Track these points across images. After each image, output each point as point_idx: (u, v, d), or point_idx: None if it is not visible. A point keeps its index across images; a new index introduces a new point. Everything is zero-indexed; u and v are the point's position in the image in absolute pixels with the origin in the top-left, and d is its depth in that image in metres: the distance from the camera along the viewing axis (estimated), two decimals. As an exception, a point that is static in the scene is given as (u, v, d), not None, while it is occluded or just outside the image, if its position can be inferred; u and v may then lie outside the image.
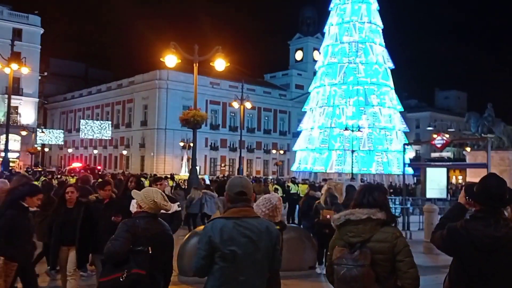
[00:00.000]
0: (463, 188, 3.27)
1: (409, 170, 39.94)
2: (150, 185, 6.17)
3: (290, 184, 14.85)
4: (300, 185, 14.72)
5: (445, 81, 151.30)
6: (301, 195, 13.96)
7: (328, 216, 7.67)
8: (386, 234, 2.83)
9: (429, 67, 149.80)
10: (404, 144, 22.09)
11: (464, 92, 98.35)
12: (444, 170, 17.40)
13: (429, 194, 16.48)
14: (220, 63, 12.97)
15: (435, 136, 18.08)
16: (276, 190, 14.20)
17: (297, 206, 13.66)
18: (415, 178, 40.19)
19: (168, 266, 3.56)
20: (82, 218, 5.60)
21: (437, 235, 2.95)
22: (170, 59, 12.51)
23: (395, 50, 45.16)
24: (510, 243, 2.62)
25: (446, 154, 25.57)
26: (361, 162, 36.50)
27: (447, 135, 16.32)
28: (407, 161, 40.25)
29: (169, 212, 4.27)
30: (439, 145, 15.37)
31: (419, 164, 20.24)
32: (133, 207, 3.91)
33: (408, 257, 2.82)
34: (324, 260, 7.87)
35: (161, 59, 12.56)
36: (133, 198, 3.52)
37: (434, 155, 22.96)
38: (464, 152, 32.36)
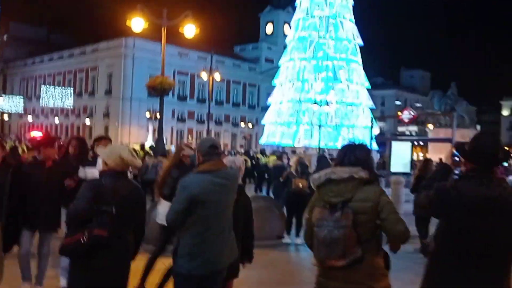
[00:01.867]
0: (453, 147, 3.15)
1: (374, 146, 40.82)
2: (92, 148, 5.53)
3: (259, 155, 14.74)
4: (270, 156, 14.62)
5: (410, 60, 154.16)
6: (269, 165, 13.94)
7: (300, 185, 7.66)
8: (368, 193, 2.68)
9: (395, 46, 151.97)
10: (373, 118, 22.32)
11: (428, 72, 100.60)
12: (409, 144, 17.82)
13: (394, 168, 16.88)
14: (189, 29, 12.53)
15: (400, 113, 18.40)
16: (244, 161, 14.01)
17: (266, 177, 13.68)
18: (379, 153, 41.12)
19: (139, 228, 3.36)
20: (11, 184, 4.48)
21: (423, 196, 2.81)
22: (137, 23, 11.97)
23: (364, 27, 45.50)
24: (504, 203, 2.45)
25: (412, 128, 26.15)
26: (328, 136, 36.84)
27: (414, 110, 16.55)
28: (372, 138, 41.13)
29: None
30: (406, 120, 15.63)
31: (386, 138, 20.57)
32: (99, 166, 3.73)
33: (392, 214, 2.67)
34: (292, 230, 7.85)
35: (127, 23, 11.97)
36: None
37: (401, 129, 23.49)
38: (426, 129, 33.32)
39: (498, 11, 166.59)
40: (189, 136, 56.87)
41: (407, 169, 17.32)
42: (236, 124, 62.72)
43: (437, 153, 27.97)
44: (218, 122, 60.50)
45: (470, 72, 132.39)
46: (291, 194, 7.68)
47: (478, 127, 33.26)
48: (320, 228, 2.63)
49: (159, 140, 13.36)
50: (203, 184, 3.12)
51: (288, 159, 9.44)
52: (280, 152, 11.01)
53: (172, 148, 22.81)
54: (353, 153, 2.81)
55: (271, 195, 13.66)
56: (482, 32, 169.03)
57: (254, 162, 14.87)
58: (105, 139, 5.53)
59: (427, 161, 9.32)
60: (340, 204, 2.64)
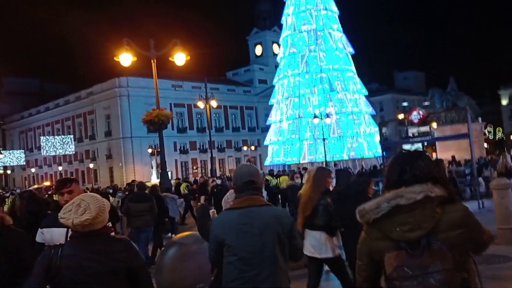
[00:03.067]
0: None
1: (380, 152, 40.34)
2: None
3: (268, 177, 14.16)
4: (280, 177, 14.04)
5: (402, 63, 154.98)
6: (281, 187, 13.40)
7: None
8: (455, 216, 1.93)
9: (385, 51, 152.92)
10: (379, 124, 21.88)
11: (421, 72, 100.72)
12: (419, 147, 17.36)
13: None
14: (179, 57, 12.24)
15: (400, 116, 18.03)
16: None
17: (280, 199, 13.11)
18: (385, 159, 40.53)
19: None
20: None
21: None
22: (125, 58, 11.70)
23: (351, 35, 45.59)
24: None
25: (412, 130, 25.54)
26: (332, 149, 36.41)
27: (423, 110, 16.14)
28: (378, 145, 40.62)
29: None
30: (416, 120, 15.14)
31: (396, 142, 20.13)
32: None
33: (483, 233, 2.01)
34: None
35: (115, 58, 11.71)
36: None
37: (412, 130, 22.78)
38: (431, 129, 32.78)
39: (485, 3, 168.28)
40: (194, 167, 56.47)
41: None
42: (238, 149, 62.39)
43: (446, 152, 27.38)
44: (221, 149, 60.18)
45: (463, 66, 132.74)
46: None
47: (480, 119, 32.65)
48: (405, 281, 1.84)
49: (163, 175, 12.92)
50: (226, 224, 2.75)
51: (301, 177, 8.89)
52: (291, 171, 10.50)
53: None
54: (414, 164, 2.05)
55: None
56: (470, 24, 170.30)
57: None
58: (71, 182, 3.60)
59: (438, 161, 8.85)
60: (425, 240, 1.88)
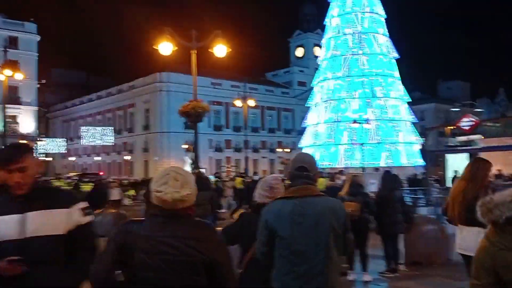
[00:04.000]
0: None
1: (419, 162, 38.86)
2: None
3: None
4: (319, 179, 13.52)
5: (446, 71, 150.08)
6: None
7: (349, 210, 6.64)
8: None
9: (430, 59, 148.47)
10: (426, 129, 20.92)
11: (467, 82, 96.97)
12: (465, 156, 16.38)
13: (450, 183, 15.48)
14: (220, 49, 11.98)
15: (443, 123, 17.07)
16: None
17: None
18: (425, 169, 39.02)
19: None
20: None
21: None
22: (165, 47, 11.53)
23: (397, 40, 44.30)
24: None
25: (474, 137, 24.33)
26: (369, 155, 35.35)
27: (475, 116, 15.20)
28: (417, 153, 39.20)
29: None
30: (467, 128, 14.25)
31: (438, 151, 19.09)
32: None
33: None
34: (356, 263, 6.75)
35: (155, 47, 11.56)
36: None
37: (461, 138, 21.73)
38: (476, 140, 31.28)
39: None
40: (228, 165, 56.50)
41: (464, 183, 15.90)
42: (273, 150, 61.99)
43: (495, 164, 26.03)
44: (255, 149, 59.95)
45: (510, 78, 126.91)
46: None
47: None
48: None
49: (195, 169, 12.68)
50: (279, 213, 2.59)
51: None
52: (332, 173, 9.96)
53: (211, 178, 22.12)
54: None
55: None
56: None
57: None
58: (22, 154, 2.39)
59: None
60: None
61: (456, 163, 16.03)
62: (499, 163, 24.73)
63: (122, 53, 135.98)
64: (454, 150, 16.65)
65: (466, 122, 14.15)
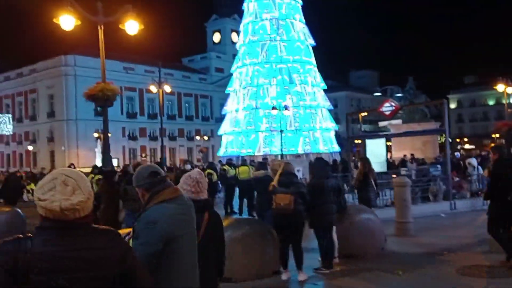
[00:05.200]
0: None
1: (336, 147, 40.04)
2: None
3: (226, 167, 12.82)
4: (240, 167, 12.69)
5: (357, 61, 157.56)
6: (240, 178, 12.17)
7: (281, 204, 5.93)
8: None
9: (341, 48, 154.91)
10: (347, 114, 21.12)
11: (376, 71, 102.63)
12: (383, 141, 16.66)
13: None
14: (132, 26, 10.65)
15: (354, 112, 17.34)
16: (209, 175, 12.16)
17: (237, 192, 11.94)
18: (340, 154, 40.35)
19: None
20: None
21: None
22: (67, 20, 9.96)
23: (312, 28, 44.72)
24: None
25: (395, 122, 25.10)
26: (288, 142, 35.57)
27: (395, 101, 15.37)
28: (333, 140, 40.30)
29: None
30: (387, 112, 14.33)
31: (359, 136, 19.32)
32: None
33: None
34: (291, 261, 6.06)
35: (55, 20, 9.94)
36: None
37: (382, 123, 22.55)
38: (387, 126, 32.74)
39: (442, 7, 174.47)
40: (143, 155, 54.04)
41: (384, 168, 16.12)
42: (191, 138, 60.56)
43: (400, 150, 27.25)
44: (172, 138, 58.08)
45: (417, 68, 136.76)
46: (275, 215, 5.99)
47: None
48: None
49: (106, 160, 11.29)
50: (173, 216, 2.58)
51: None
52: (262, 161, 9.15)
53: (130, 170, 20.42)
54: None
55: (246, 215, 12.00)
56: (424, 27, 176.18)
57: (220, 175, 13.00)
58: None
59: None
60: None
61: (375, 148, 16.22)
62: (407, 148, 26.07)
63: (21, 33, 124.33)
64: (374, 135, 16.84)
65: (387, 107, 14.25)
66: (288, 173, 6.05)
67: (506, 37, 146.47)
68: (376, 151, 16.42)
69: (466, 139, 78.59)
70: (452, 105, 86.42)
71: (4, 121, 48.99)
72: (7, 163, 55.75)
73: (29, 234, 1.76)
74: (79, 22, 10.24)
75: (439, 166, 15.56)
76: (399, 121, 23.33)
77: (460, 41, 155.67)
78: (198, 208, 2.93)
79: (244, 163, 13.00)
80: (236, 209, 12.07)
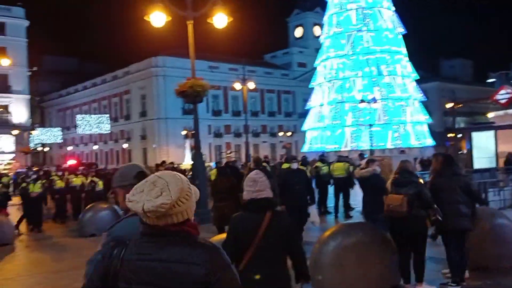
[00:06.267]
0: None
1: (429, 142, 37.42)
2: None
3: (319, 164, 12.11)
4: (334, 164, 11.92)
5: (448, 50, 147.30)
6: (334, 175, 11.43)
7: (392, 205, 5.15)
8: None
9: (431, 36, 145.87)
10: (454, 103, 19.38)
11: (469, 60, 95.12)
12: (492, 133, 14.94)
13: (478, 164, 14.05)
14: (220, 18, 10.40)
15: (447, 104, 15.52)
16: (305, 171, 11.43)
17: (336, 189, 11.21)
18: (436, 149, 37.57)
19: None
20: None
21: None
22: (158, 17, 9.95)
23: (402, 15, 41.90)
24: None
25: (505, 112, 22.71)
26: (377, 137, 33.86)
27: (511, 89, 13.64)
28: (426, 133, 37.65)
29: None
30: (503, 101, 12.73)
31: (463, 129, 17.48)
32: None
33: None
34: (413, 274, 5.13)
35: (146, 18, 9.98)
36: None
37: (496, 114, 20.17)
38: (489, 118, 29.81)
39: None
40: (228, 151, 55.05)
41: (493, 163, 14.45)
42: (274, 134, 60.50)
43: (506, 144, 24.53)
44: (255, 134, 58.44)
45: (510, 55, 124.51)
46: (388, 218, 5.20)
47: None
48: None
49: (196, 156, 11.19)
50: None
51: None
52: (369, 157, 8.44)
53: (213, 165, 20.53)
54: None
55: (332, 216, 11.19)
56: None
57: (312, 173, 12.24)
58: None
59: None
60: None
61: (483, 142, 14.58)
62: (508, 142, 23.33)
63: (115, 38, 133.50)
64: (482, 127, 15.14)
65: (503, 95, 12.60)
66: (405, 171, 5.25)
67: None
68: (483, 145, 14.79)
69: None
70: None
71: (102, 121, 52.67)
72: (105, 160, 59.84)
73: (133, 239, 1.72)
74: (169, 18, 10.18)
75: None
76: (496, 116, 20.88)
77: None
78: (258, 208, 2.89)
79: (339, 159, 12.18)
80: (331, 209, 11.36)
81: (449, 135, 68.83)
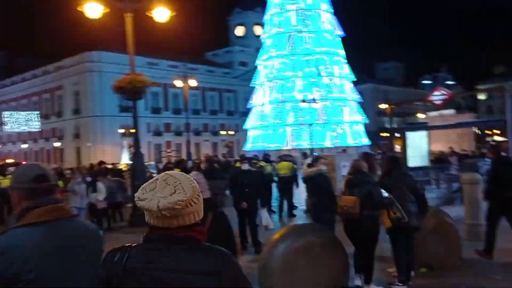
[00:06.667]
0: None
1: (365, 141, 38.83)
2: None
3: (262, 163, 11.94)
4: (279, 163, 11.77)
5: (382, 53, 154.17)
6: (280, 175, 11.33)
7: (345, 206, 5.08)
8: None
9: (367, 40, 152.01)
10: (392, 104, 20.08)
11: (401, 63, 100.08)
12: (425, 134, 15.60)
13: (412, 163, 14.61)
14: (161, 12, 9.94)
15: (380, 105, 16.22)
16: (260, 167, 11.23)
17: (281, 189, 11.13)
18: (369, 148, 39.07)
19: None
20: None
21: None
22: (93, 8, 9.32)
23: (340, 18, 43.23)
24: None
25: (447, 112, 23.79)
26: (316, 136, 34.58)
27: (447, 89, 14.26)
28: (362, 133, 39.04)
29: None
30: (438, 102, 13.25)
31: (399, 129, 18.16)
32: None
33: None
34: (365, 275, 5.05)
35: (79, 9, 9.30)
36: None
37: (432, 114, 21.22)
38: (423, 118, 31.38)
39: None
40: (168, 150, 53.85)
41: (425, 162, 15.09)
42: (215, 133, 60.07)
43: (435, 143, 25.92)
44: (197, 132, 57.65)
45: (443, 60, 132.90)
46: (342, 220, 5.14)
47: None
48: None
49: (136, 155, 10.67)
50: (29, 244, 1.74)
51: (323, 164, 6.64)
52: (314, 156, 8.26)
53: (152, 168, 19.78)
54: None
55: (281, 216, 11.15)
56: (450, 18, 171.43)
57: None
58: None
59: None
60: None
61: (416, 141, 15.19)
62: (442, 141, 24.71)
63: (48, 30, 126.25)
64: (416, 127, 15.79)
65: (437, 96, 13.15)
66: (358, 171, 5.19)
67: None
68: (417, 145, 15.41)
69: (498, 131, 75.74)
70: (481, 96, 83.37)
71: (32, 118, 49.55)
72: (35, 159, 56.44)
73: (129, 245, 1.63)
74: (106, 10, 9.58)
75: (488, 159, 14.40)
76: (452, 111, 22.05)
77: (488, 31, 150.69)
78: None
79: (284, 158, 12.12)
80: (275, 208, 11.28)
81: (382, 134, 72.24)
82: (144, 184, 1.62)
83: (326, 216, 5.56)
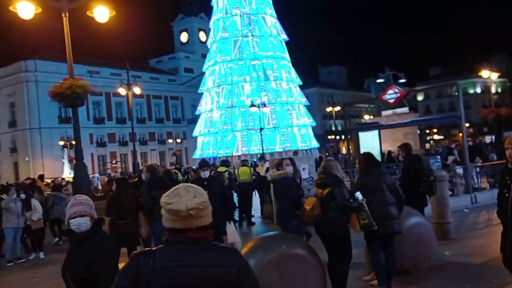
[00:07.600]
0: None
1: (314, 143, 39.22)
2: None
3: (221, 168, 11.29)
4: (239, 168, 11.23)
5: (325, 57, 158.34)
6: (240, 180, 10.82)
7: (307, 208, 4.77)
8: None
9: (310, 44, 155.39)
10: (344, 104, 20.07)
11: (344, 66, 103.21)
12: (376, 133, 15.73)
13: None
14: (101, 12, 9.19)
15: (327, 108, 16.26)
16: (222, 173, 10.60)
17: (241, 195, 10.60)
18: (318, 151, 39.60)
19: None
20: None
21: None
22: (25, 8, 8.43)
23: (284, 23, 43.71)
24: None
25: (400, 110, 24.09)
26: (266, 140, 34.46)
27: (399, 88, 14.35)
28: (311, 136, 39.43)
29: None
30: (391, 100, 13.29)
31: (351, 129, 18.16)
32: None
33: None
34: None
35: (11, 8, 8.38)
36: None
37: (386, 113, 21.66)
38: (368, 120, 32.11)
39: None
40: (113, 161, 51.76)
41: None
42: (162, 141, 58.56)
43: (383, 143, 26.55)
44: (143, 142, 55.96)
45: (383, 63, 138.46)
46: (313, 223, 4.78)
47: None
48: None
49: (79, 167, 9.80)
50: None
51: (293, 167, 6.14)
52: (279, 159, 7.69)
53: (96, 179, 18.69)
54: None
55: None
56: (389, 21, 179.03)
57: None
58: None
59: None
60: None
61: (368, 140, 15.29)
62: (389, 141, 25.31)
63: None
64: (368, 127, 15.87)
65: (390, 95, 13.23)
66: (327, 172, 4.83)
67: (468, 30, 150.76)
68: (369, 145, 15.52)
69: (435, 130, 79.50)
70: (420, 97, 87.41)
71: (-39, 133, 45.87)
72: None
73: (153, 249, 1.86)
74: (39, 10, 8.71)
75: (438, 157, 14.71)
76: (405, 109, 22.47)
77: (424, 34, 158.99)
78: None
79: (244, 163, 11.65)
80: (236, 217, 10.75)
81: (330, 137, 73.81)
82: (167, 192, 1.87)
83: (292, 222, 5.16)
